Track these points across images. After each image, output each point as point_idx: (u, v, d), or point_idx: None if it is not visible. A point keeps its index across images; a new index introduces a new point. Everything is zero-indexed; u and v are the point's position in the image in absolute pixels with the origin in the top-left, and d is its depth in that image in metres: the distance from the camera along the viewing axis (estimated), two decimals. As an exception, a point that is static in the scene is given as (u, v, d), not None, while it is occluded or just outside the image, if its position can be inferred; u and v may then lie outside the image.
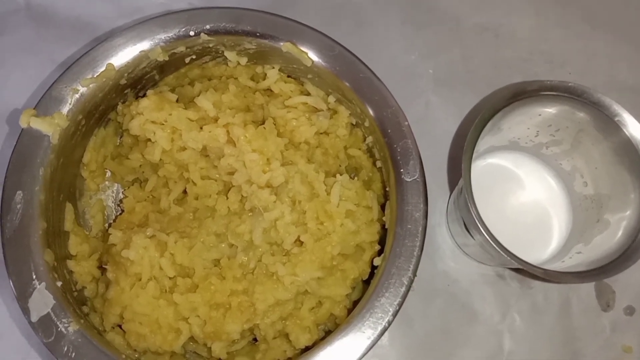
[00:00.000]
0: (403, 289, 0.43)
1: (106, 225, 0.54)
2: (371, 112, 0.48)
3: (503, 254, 0.43)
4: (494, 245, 0.43)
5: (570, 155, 0.52)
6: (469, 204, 0.44)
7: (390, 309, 0.43)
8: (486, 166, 0.55)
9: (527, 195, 0.54)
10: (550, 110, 0.48)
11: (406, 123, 0.47)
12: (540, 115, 0.49)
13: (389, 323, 0.43)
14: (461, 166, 0.45)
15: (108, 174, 0.55)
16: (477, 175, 0.53)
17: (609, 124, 0.47)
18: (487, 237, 0.43)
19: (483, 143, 0.50)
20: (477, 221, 0.43)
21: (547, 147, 0.53)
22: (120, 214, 0.53)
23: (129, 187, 0.54)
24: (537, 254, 0.51)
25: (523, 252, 0.45)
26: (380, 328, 0.43)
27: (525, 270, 0.44)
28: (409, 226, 0.45)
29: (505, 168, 0.55)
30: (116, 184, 0.55)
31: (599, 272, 0.43)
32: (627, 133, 0.46)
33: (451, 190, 0.58)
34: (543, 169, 0.55)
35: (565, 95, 0.47)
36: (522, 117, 0.49)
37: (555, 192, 0.54)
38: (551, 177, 0.55)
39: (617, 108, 0.46)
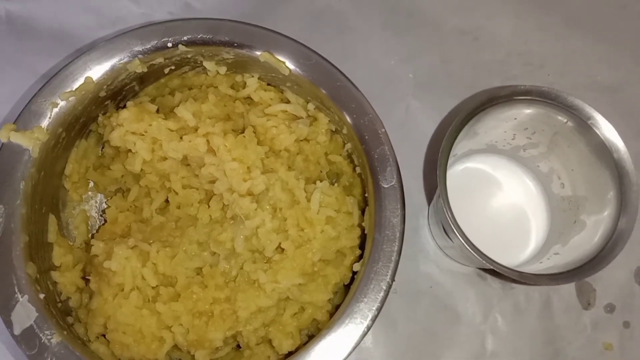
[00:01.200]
0: (382, 294, 0.44)
1: (90, 235, 0.54)
2: (349, 119, 0.49)
3: (478, 257, 0.44)
4: (469, 249, 0.44)
5: (547, 158, 0.53)
6: (445, 209, 0.44)
7: (369, 314, 0.44)
8: (464, 170, 0.55)
9: (505, 197, 0.55)
10: (525, 113, 0.49)
11: (383, 130, 0.48)
12: (515, 119, 0.50)
13: (368, 328, 0.44)
14: (432, 167, 0.46)
15: (91, 184, 0.55)
16: (455, 178, 0.54)
17: (583, 127, 0.47)
18: (462, 240, 0.44)
19: (460, 147, 0.51)
20: (452, 225, 0.44)
21: (524, 149, 0.54)
22: (104, 224, 0.54)
23: (111, 197, 0.54)
24: (516, 255, 0.52)
25: (502, 254, 0.46)
26: (360, 333, 0.43)
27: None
28: (387, 232, 0.45)
29: (483, 171, 0.56)
30: (99, 194, 0.56)
31: (574, 274, 0.44)
32: (600, 135, 0.47)
33: (432, 193, 0.59)
34: (521, 171, 0.56)
35: (539, 99, 0.47)
36: (496, 121, 0.50)
37: (533, 194, 0.55)
38: (529, 179, 0.55)
39: (590, 110, 0.47)
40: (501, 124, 0.50)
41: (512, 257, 0.47)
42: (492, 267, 0.45)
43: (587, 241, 0.47)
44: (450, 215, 0.44)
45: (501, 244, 0.47)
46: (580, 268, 0.44)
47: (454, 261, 0.57)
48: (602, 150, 0.47)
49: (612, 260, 0.44)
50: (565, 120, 0.48)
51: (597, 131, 0.47)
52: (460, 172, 0.55)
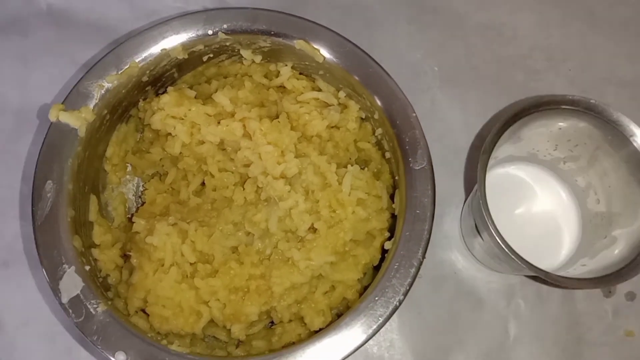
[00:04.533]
0: (413, 270, 0.46)
1: (127, 217, 0.56)
2: (380, 104, 0.51)
3: (509, 254, 0.45)
4: (502, 244, 0.45)
5: (586, 172, 0.53)
6: (482, 205, 0.45)
7: (401, 289, 0.45)
8: (503, 174, 0.56)
9: (539, 208, 0.56)
10: (569, 123, 0.50)
11: (414, 114, 0.50)
12: (560, 129, 0.51)
13: (400, 302, 0.45)
14: (474, 165, 0.47)
15: (129, 168, 0.57)
16: (493, 182, 0.54)
17: (625, 143, 0.48)
18: (496, 236, 0.45)
19: (502, 151, 0.52)
20: (487, 220, 0.45)
21: (564, 162, 0.54)
22: (141, 205, 0.56)
23: (149, 181, 0.56)
24: (544, 265, 0.50)
25: (531, 261, 0.46)
26: (391, 307, 0.45)
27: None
28: (418, 211, 0.47)
29: (521, 179, 0.56)
30: (136, 178, 0.58)
31: (609, 279, 0.45)
32: (638, 147, 0.47)
33: (464, 184, 0.60)
34: (558, 184, 0.56)
35: (585, 111, 0.48)
36: (541, 128, 0.50)
37: (567, 207, 0.56)
38: (565, 192, 0.56)
39: (634, 128, 0.48)
40: (545, 132, 0.51)
41: (539, 266, 0.47)
42: (523, 272, 0.45)
43: (614, 254, 0.48)
44: (486, 212, 0.45)
45: (530, 252, 0.47)
46: (616, 273, 0.45)
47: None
48: (639, 163, 0.48)
49: None
50: (608, 136, 0.49)
51: (637, 147, 0.47)
52: (499, 176, 0.56)
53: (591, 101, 0.48)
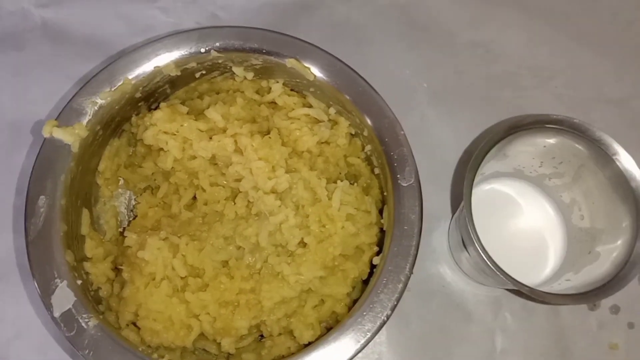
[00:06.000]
0: (400, 285, 0.47)
1: (119, 230, 0.57)
2: (370, 122, 0.52)
3: (495, 270, 0.46)
4: (487, 261, 0.46)
5: (570, 189, 0.55)
6: (468, 222, 0.47)
7: (389, 304, 0.46)
8: (489, 190, 0.58)
9: (525, 223, 0.57)
10: (554, 141, 0.51)
11: (402, 132, 0.51)
12: (544, 146, 0.52)
13: (388, 317, 0.46)
14: (462, 180, 0.48)
15: (121, 182, 0.58)
16: (480, 198, 0.56)
17: (607, 161, 0.49)
18: (481, 252, 0.46)
19: (488, 167, 0.53)
20: (473, 236, 0.46)
21: (549, 178, 0.56)
22: (133, 219, 0.57)
23: (140, 194, 0.57)
24: (529, 280, 0.52)
25: (516, 276, 0.47)
26: (379, 322, 0.46)
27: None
28: (406, 227, 0.48)
29: (507, 195, 0.58)
30: (128, 192, 0.58)
31: (594, 295, 0.46)
32: (621, 167, 0.49)
33: (444, 199, 0.61)
34: (544, 199, 0.57)
35: (569, 130, 0.49)
36: (526, 146, 0.52)
37: (553, 222, 0.57)
38: (551, 208, 0.57)
39: (617, 147, 0.49)
40: (530, 149, 0.52)
41: (525, 281, 0.47)
42: (508, 286, 0.46)
43: (598, 270, 0.49)
44: (472, 227, 0.46)
45: (516, 267, 0.48)
46: (600, 288, 0.46)
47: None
48: (622, 181, 0.49)
49: (632, 280, 0.46)
50: (592, 154, 0.50)
51: (619, 165, 0.49)
52: (485, 192, 0.57)
53: (575, 120, 0.49)
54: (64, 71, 0.63)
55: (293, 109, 0.56)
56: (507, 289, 0.58)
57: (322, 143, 0.55)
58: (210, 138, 0.52)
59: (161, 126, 0.52)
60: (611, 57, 0.67)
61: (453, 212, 0.61)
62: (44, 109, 0.61)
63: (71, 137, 0.49)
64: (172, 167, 0.54)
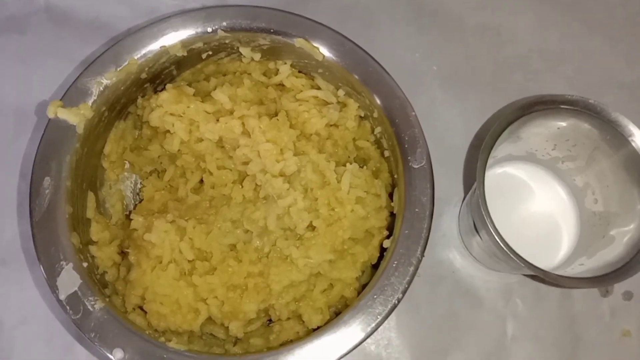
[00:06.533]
0: (412, 269, 0.46)
1: (125, 213, 0.56)
2: (380, 103, 0.51)
3: (508, 252, 0.45)
4: (500, 243, 0.45)
5: (584, 172, 0.54)
6: (481, 204, 0.46)
7: (400, 287, 0.45)
8: (502, 174, 0.57)
9: (538, 207, 0.56)
10: (568, 123, 0.50)
11: (413, 113, 0.50)
12: (558, 128, 0.51)
13: (399, 300, 0.45)
14: (473, 164, 0.47)
15: (127, 165, 0.57)
16: (492, 181, 0.55)
17: (623, 143, 0.48)
18: (495, 234, 0.45)
19: (500, 150, 0.52)
20: (486, 218, 0.45)
21: (562, 162, 0.55)
22: (139, 203, 0.56)
23: (147, 178, 0.56)
24: (543, 264, 0.50)
25: (529, 261, 0.46)
26: (390, 305, 0.45)
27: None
28: (417, 210, 0.47)
29: (520, 179, 0.57)
30: (134, 175, 0.58)
31: (608, 279, 0.45)
32: (637, 147, 0.48)
33: (463, 184, 0.61)
34: (557, 183, 0.56)
35: (584, 111, 0.48)
36: (540, 128, 0.51)
37: (566, 207, 0.56)
38: (564, 192, 0.56)
39: (633, 128, 0.48)
40: (543, 131, 0.51)
41: (538, 265, 0.46)
42: (521, 271, 0.45)
43: (611, 254, 0.48)
44: (485, 210, 0.45)
45: (528, 251, 0.47)
46: (615, 272, 0.45)
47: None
48: (637, 163, 0.48)
49: None
50: (606, 136, 0.49)
51: (635, 147, 0.48)
52: (498, 175, 0.56)
53: (590, 101, 0.48)
54: (67, 55, 0.63)
55: (301, 91, 0.55)
56: (519, 275, 0.58)
57: (331, 126, 0.54)
58: (217, 120, 0.51)
59: (167, 108, 0.51)
60: (622, 41, 0.66)
61: (464, 197, 0.60)
62: (47, 92, 0.61)
63: (76, 117, 0.49)
64: (179, 150, 0.53)
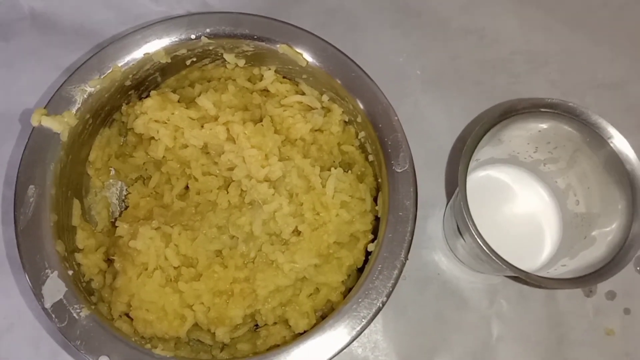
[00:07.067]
0: (396, 272, 0.46)
1: (111, 221, 0.56)
2: (363, 108, 0.51)
3: (491, 255, 0.45)
4: (482, 246, 0.45)
5: (565, 174, 0.54)
6: (463, 207, 0.46)
7: (384, 290, 0.46)
8: (484, 177, 0.57)
9: (521, 209, 0.57)
10: (549, 127, 0.50)
11: (396, 118, 0.50)
12: (539, 131, 0.51)
13: (383, 303, 0.46)
14: (456, 167, 0.47)
15: (112, 172, 0.57)
16: (475, 184, 0.55)
17: (603, 145, 0.49)
18: (477, 237, 0.45)
19: (483, 153, 0.53)
20: (468, 222, 0.46)
21: (544, 164, 0.55)
22: (125, 209, 0.56)
23: (132, 185, 0.56)
24: (526, 265, 0.51)
25: (512, 263, 0.47)
26: (374, 309, 0.46)
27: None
28: (400, 213, 0.48)
29: (502, 181, 0.57)
30: (120, 182, 0.58)
31: (589, 279, 0.46)
32: (615, 150, 0.48)
33: (446, 187, 0.61)
34: (539, 185, 0.57)
35: (564, 114, 0.49)
36: (521, 131, 0.51)
37: (548, 208, 0.56)
38: (546, 193, 0.57)
39: (612, 130, 0.48)
40: (524, 134, 0.52)
41: (521, 267, 0.47)
42: (505, 273, 0.45)
43: (593, 254, 0.49)
44: (467, 214, 0.46)
45: (512, 253, 0.47)
46: (597, 272, 0.46)
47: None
48: (617, 164, 0.48)
49: (629, 262, 0.46)
50: (587, 138, 0.49)
51: (614, 148, 0.48)
52: (480, 179, 0.57)
53: (569, 104, 0.49)
54: (53, 61, 0.63)
55: (285, 97, 0.55)
56: (503, 276, 0.58)
57: (316, 131, 0.55)
58: (202, 126, 0.51)
59: (152, 114, 0.51)
60: (604, 41, 0.66)
61: (448, 200, 0.60)
62: (32, 99, 0.60)
63: (60, 125, 0.49)
64: (164, 157, 0.53)
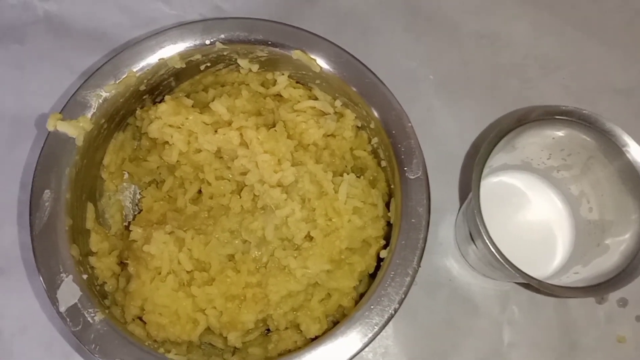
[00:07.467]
0: (408, 279, 0.46)
1: (124, 224, 0.57)
2: (376, 114, 0.51)
3: (503, 262, 0.45)
4: (495, 252, 0.45)
5: (579, 181, 0.54)
6: (476, 213, 0.46)
7: (397, 297, 0.46)
8: (498, 183, 0.57)
9: (533, 216, 0.56)
10: (563, 133, 0.50)
11: (409, 124, 0.50)
12: (553, 138, 0.51)
13: (395, 311, 0.46)
14: (469, 173, 0.47)
15: (126, 175, 0.57)
16: (488, 190, 0.54)
17: (617, 153, 0.48)
18: (489, 244, 0.45)
19: (496, 160, 0.52)
20: (481, 228, 0.45)
21: (557, 170, 0.55)
22: (138, 213, 0.56)
23: (146, 188, 0.57)
24: (538, 272, 0.52)
25: (524, 269, 0.47)
26: (387, 316, 0.46)
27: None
28: (413, 220, 0.48)
29: (515, 187, 0.57)
30: (133, 186, 0.58)
31: (603, 287, 0.46)
32: (631, 159, 0.48)
33: (459, 192, 0.61)
34: (552, 192, 0.57)
35: (579, 121, 0.49)
36: (535, 138, 0.51)
37: (561, 215, 0.56)
38: (559, 200, 0.57)
39: (627, 138, 0.48)
40: (539, 141, 0.51)
41: (533, 274, 0.47)
42: (516, 279, 0.45)
43: (606, 263, 0.48)
44: (480, 220, 0.46)
45: (524, 260, 0.47)
46: (607, 282, 0.46)
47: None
48: (631, 173, 0.48)
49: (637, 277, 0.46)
50: (601, 146, 0.49)
51: (629, 157, 0.48)
52: (494, 184, 0.57)
53: (584, 111, 0.49)
54: (66, 64, 0.63)
55: (299, 102, 0.55)
56: (515, 282, 0.58)
57: (328, 136, 0.55)
58: (216, 131, 0.52)
59: (166, 119, 0.51)
60: (618, 47, 0.66)
61: (460, 205, 0.60)
62: (46, 102, 0.61)
63: (76, 130, 0.49)
64: (177, 161, 0.53)
